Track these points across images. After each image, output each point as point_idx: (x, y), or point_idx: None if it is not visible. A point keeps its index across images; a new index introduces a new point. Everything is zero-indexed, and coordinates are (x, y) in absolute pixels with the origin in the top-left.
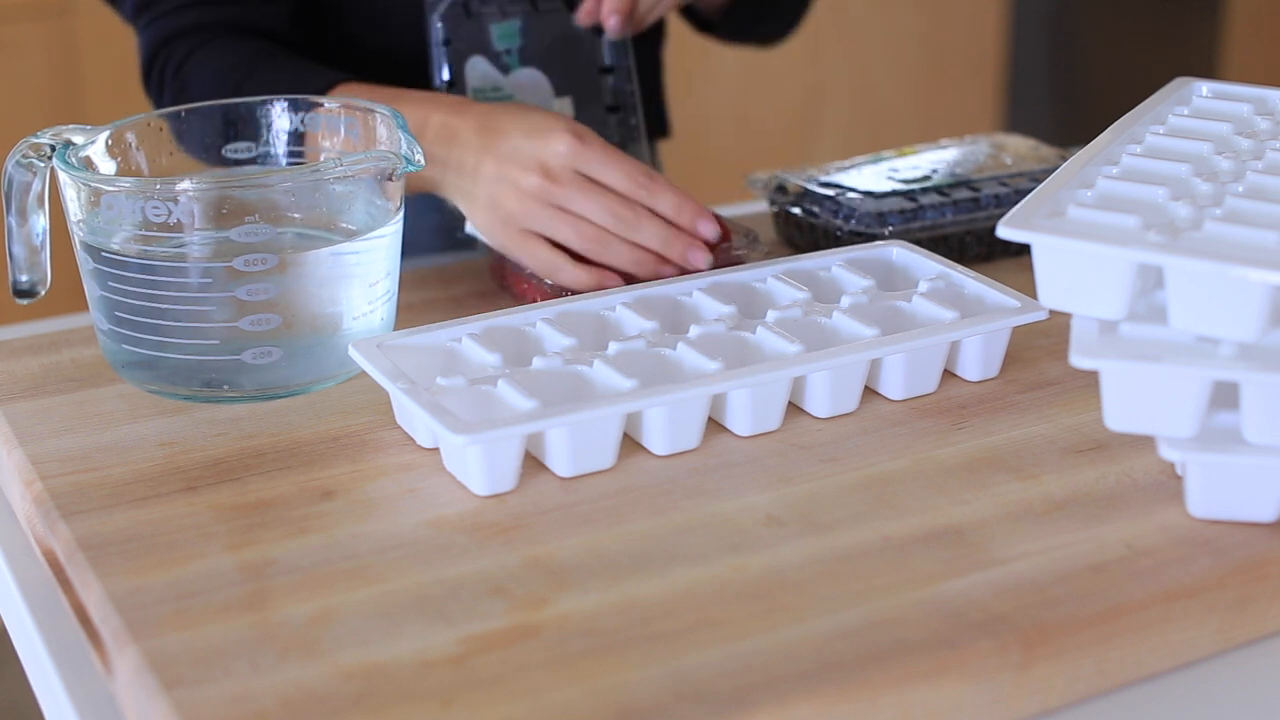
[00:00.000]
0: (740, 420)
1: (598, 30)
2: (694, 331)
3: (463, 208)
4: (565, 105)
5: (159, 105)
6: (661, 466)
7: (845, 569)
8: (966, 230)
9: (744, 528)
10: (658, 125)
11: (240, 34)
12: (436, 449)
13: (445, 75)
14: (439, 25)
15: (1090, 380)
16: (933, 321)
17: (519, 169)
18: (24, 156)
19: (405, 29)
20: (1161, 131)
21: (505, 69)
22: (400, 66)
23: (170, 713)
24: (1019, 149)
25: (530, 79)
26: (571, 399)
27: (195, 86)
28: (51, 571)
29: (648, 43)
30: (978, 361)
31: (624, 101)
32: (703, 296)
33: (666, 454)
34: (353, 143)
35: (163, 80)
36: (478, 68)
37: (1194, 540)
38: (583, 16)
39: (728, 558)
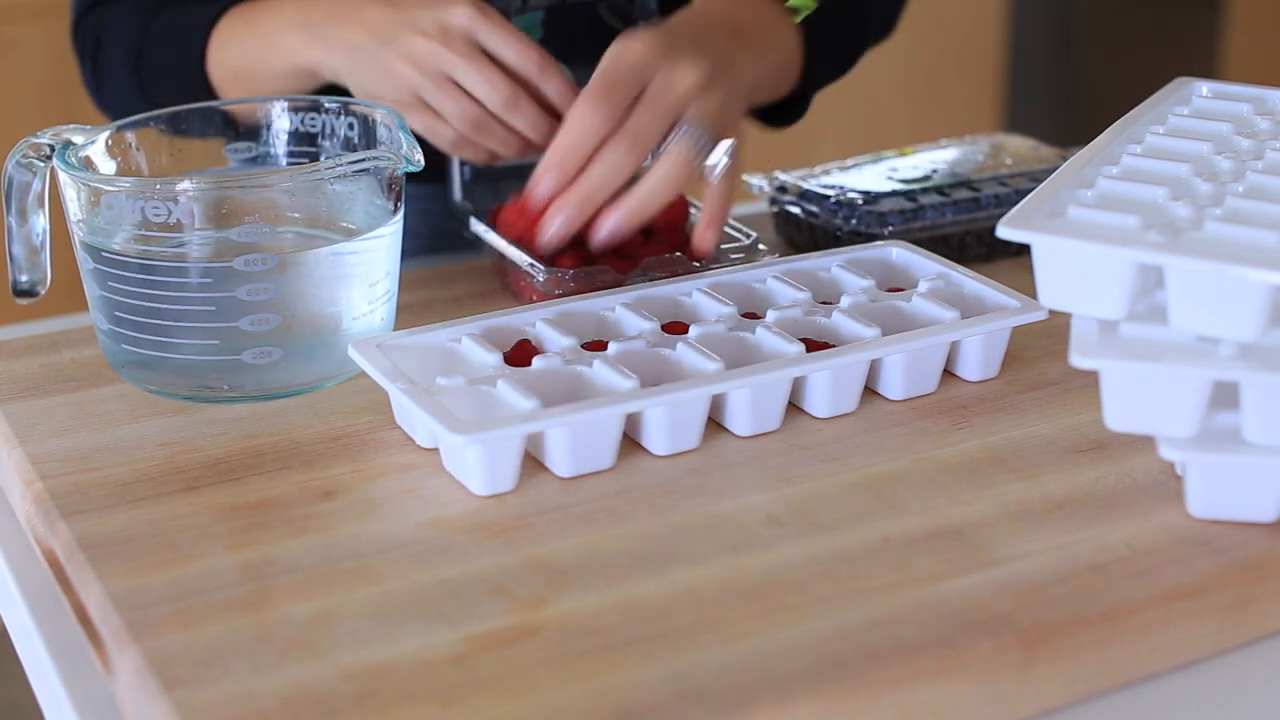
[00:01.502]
0: (740, 420)
1: (628, 20)
2: (694, 331)
3: (350, 82)
4: None
5: (81, 56)
6: (661, 466)
7: (845, 569)
8: (966, 230)
9: (744, 528)
10: None
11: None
12: (436, 449)
13: None
14: None
15: (1090, 380)
16: (933, 321)
17: (416, 33)
18: (24, 156)
19: None
20: (1161, 131)
21: None
22: None
23: (170, 713)
24: (1019, 149)
25: None
26: (571, 399)
27: (110, 27)
28: (51, 571)
29: None
30: (978, 361)
31: None
32: (703, 296)
33: (666, 454)
34: (353, 143)
35: (83, 30)
36: None
37: (1194, 540)
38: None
39: (728, 558)
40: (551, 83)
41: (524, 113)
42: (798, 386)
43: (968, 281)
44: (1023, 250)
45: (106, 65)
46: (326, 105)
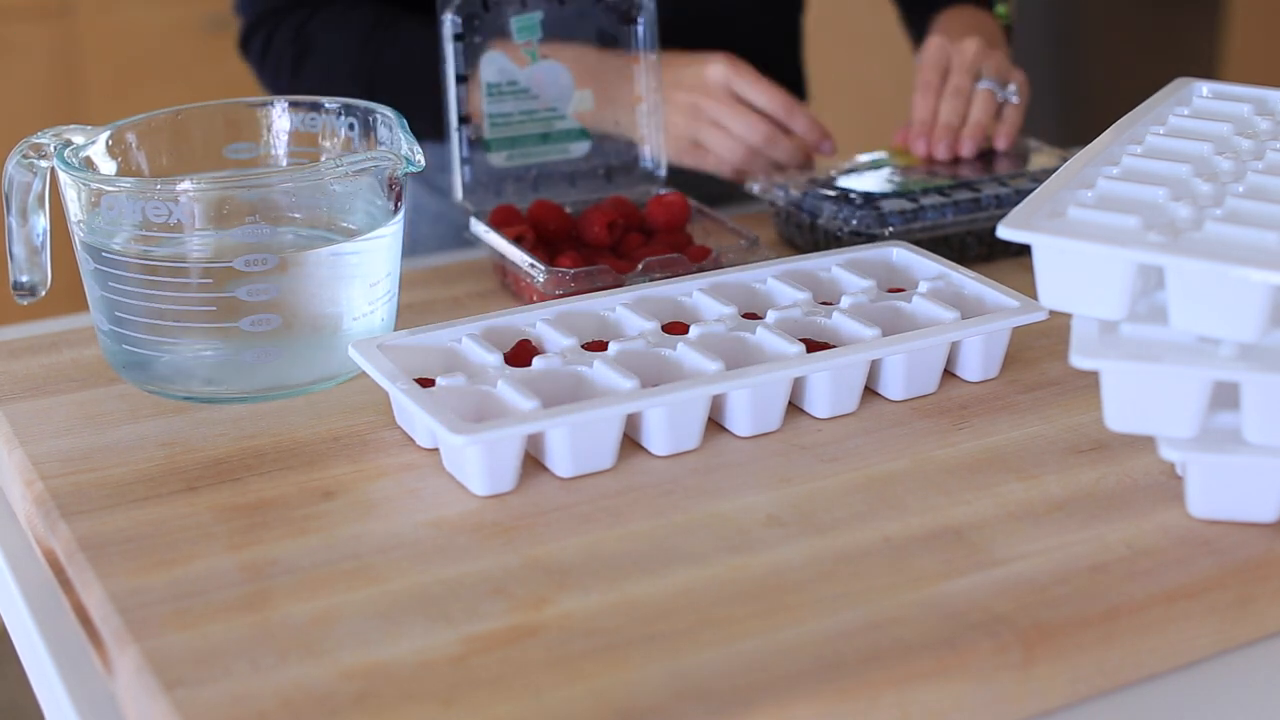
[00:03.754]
0: (740, 421)
1: (626, 20)
2: (694, 331)
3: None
4: (586, 97)
5: (263, 72)
6: (661, 467)
7: (845, 569)
8: (967, 231)
9: (744, 528)
10: (796, 93)
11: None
12: (436, 449)
13: (460, 70)
14: (449, 20)
15: (1090, 380)
16: (933, 322)
17: (683, 90)
18: (24, 156)
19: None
20: (1162, 132)
21: (523, 61)
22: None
23: (170, 713)
24: (1019, 149)
25: (550, 72)
26: (572, 399)
27: (322, 45)
28: (52, 572)
29: (788, 12)
30: (978, 362)
31: (649, 95)
32: (703, 296)
33: (666, 454)
34: (353, 143)
35: (269, 45)
36: (494, 62)
37: (1194, 540)
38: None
39: (728, 558)
40: (798, 121)
41: (780, 146)
42: (798, 387)
43: (968, 282)
44: (1023, 250)
45: (317, 80)
46: (326, 105)
